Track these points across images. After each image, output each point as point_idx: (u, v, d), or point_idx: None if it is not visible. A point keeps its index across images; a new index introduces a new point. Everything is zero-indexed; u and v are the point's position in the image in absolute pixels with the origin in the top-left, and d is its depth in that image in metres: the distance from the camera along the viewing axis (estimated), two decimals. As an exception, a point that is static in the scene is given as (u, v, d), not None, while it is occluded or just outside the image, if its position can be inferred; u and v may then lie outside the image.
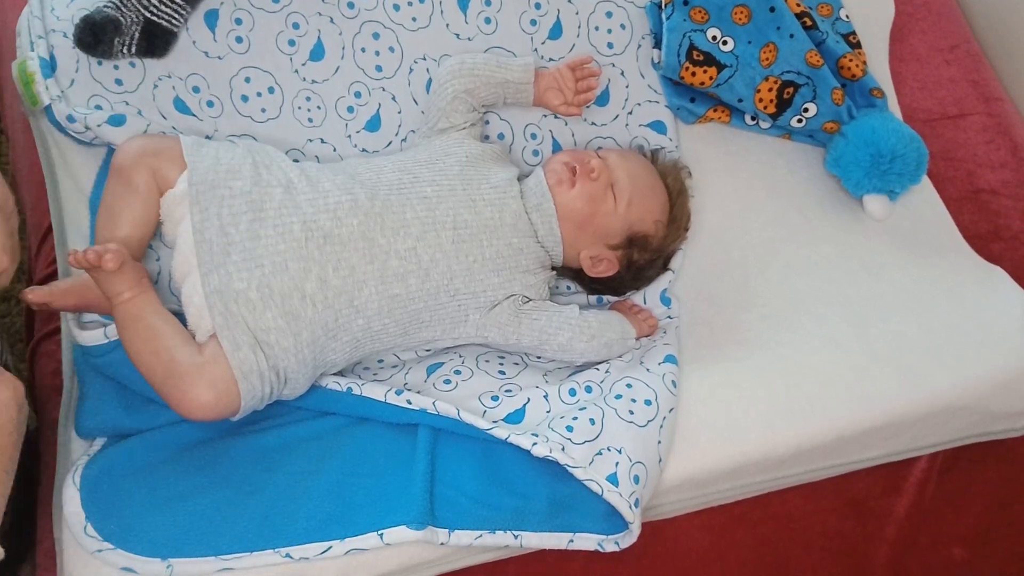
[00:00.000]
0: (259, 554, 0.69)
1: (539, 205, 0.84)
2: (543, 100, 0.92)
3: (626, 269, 0.88)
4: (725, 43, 0.93)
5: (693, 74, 0.93)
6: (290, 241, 0.73)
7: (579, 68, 0.92)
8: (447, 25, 0.92)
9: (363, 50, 0.91)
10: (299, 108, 0.89)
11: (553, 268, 0.88)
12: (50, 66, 0.82)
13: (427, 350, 0.86)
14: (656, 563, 0.85)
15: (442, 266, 0.78)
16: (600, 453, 0.73)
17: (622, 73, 0.97)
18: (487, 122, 0.94)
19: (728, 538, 0.87)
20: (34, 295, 0.72)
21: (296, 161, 0.89)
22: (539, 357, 0.87)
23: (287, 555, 0.69)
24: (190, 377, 0.69)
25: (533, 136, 0.95)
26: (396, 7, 0.91)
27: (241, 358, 0.70)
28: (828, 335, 0.86)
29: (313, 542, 0.70)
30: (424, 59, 0.92)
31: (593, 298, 0.93)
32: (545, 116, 0.95)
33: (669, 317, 0.90)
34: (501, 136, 0.94)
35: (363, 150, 0.91)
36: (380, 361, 0.85)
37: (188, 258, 0.73)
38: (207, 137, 0.87)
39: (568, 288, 0.94)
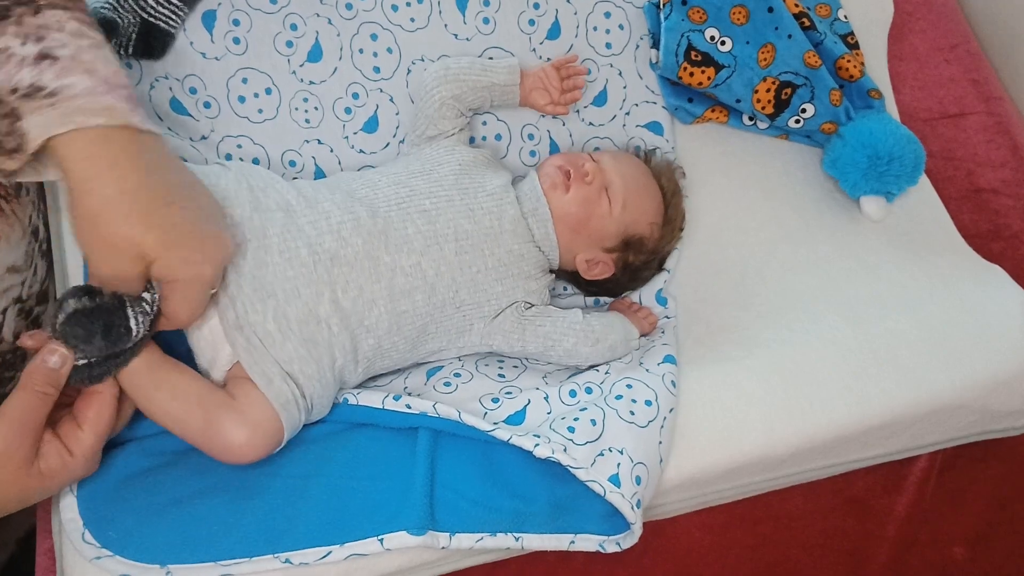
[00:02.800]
0: (258, 559, 0.68)
1: (534, 210, 0.84)
2: (529, 100, 0.92)
3: (622, 271, 0.88)
4: (723, 43, 0.93)
5: (691, 74, 0.93)
6: (298, 267, 0.72)
7: (564, 67, 0.92)
8: (445, 26, 0.92)
9: (361, 51, 0.90)
10: (296, 109, 0.89)
11: (551, 271, 0.87)
12: (45, 67, 0.81)
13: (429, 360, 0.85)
14: (656, 562, 0.85)
15: (447, 279, 0.78)
16: (602, 454, 0.73)
17: (620, 73, 0.97)
18: (484, 123, 0.93)
19: (728, 537, 0.88)
20: (33, 340, 0.66)
21: (293, 163, 0.89)
22: (536, 361, 0.87)
23: (287, 560, 0.68)
24: (231, 423, 0.67)
25: (530, 137, 0.95)
26: (394, 8, 0.91)
27: (276, 390, 0.69)
28: (827, 334, 0.86)
29: (313, 547, 0.69)
30: (422, 60, 0.91)
31: (590, 300, 0.93)
32: (543, 117, 0.95)
33: (667, 317, 0.90)
34: (499, 137, 0.94)
35: (360, 151, 0.91)
36: None
37: None
38: (203, 138, 0.86)
39: (565, 289, 0.94)
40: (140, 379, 0.66)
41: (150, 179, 0.60)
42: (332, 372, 0.73)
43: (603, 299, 0.93)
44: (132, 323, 0.63)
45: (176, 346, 0.72)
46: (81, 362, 0.63)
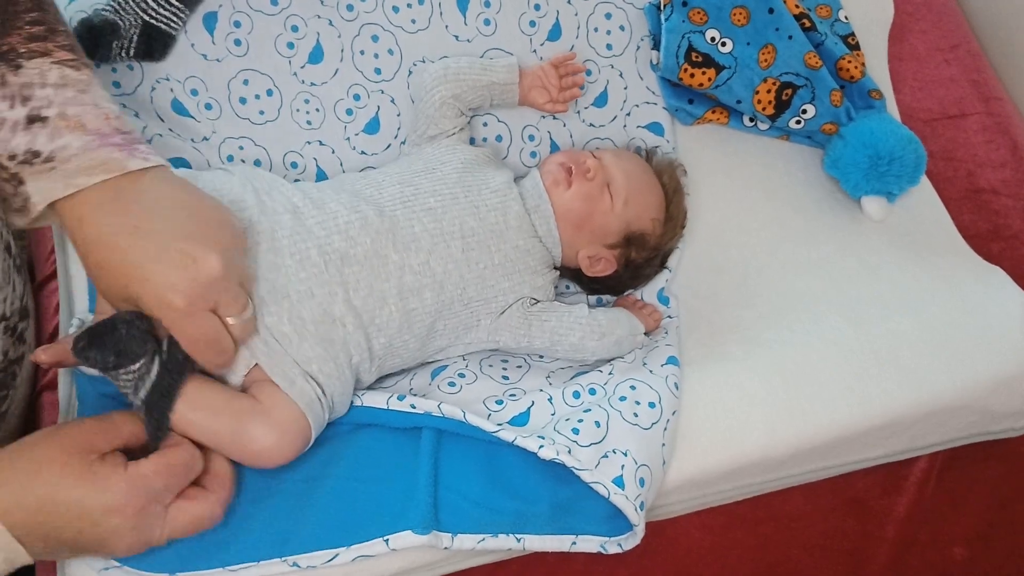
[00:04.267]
0: (266, 563, 0.68)
1: (537, 207, 0.84)
2: (528, 99, 0.92)
3: (624, 268, 0.88)
4: (724, 44, 0.93)
5: (692, 75, 0.93)
6: (310, 268, 0.72)
7: (562, 65, 0.92)
8: (446, 27, 0.92)
9: (362, 52, 0.90)
10: (297, 111, 0.89)
11: (555, 268, 0.88)
12: (46, 69, 0.80)
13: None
14: (656, 562, 0.85)
15: (455, 276, 0.78)
16: (606, 456, 0.73)
17: (620, 75, 0.97)
18: (485, 124, 0.93)
19: (728, 538, 0.88)
20: (47, 355, 0.66)
21: (295, 165, 0.88)
22: (541, 357, 0.87)
23: (294, 564, 0.68)
24: (260, 427, 0.67)
25: (531, 138, 0.95)
26: (395, 9, 0.91)
27: (299, 391, 0.69)
28: (828, 335, 0.86)
29: (320, 550, 0.69)
30: (423, 61, 0.91)
31: (593, 298, 0.94)
32: (543, 118, 0.95)
33: (669, 316, 0.90)
34: (499, 138, 0.94)
35: (362, 152, 0.90)
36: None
37: None
38: (204, 139, 0.86)
39: (567, 288, 0.94)
40: None
41: (155, 222, 0.60)
42: (350, 369, 0.74)
43: (606, 297, 0.93)
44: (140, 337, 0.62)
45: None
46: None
